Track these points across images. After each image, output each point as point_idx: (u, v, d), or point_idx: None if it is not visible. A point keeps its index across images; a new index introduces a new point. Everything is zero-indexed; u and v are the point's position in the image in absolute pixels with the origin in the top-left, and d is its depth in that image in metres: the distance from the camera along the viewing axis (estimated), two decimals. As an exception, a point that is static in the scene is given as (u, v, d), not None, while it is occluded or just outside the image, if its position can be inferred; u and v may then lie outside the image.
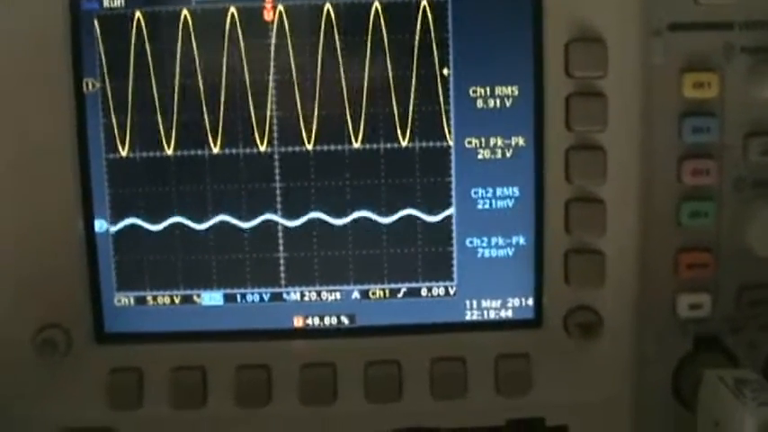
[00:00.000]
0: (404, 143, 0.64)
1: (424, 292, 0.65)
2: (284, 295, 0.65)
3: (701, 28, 0.64)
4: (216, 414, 0.64)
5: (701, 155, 0.65)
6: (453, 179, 0.64)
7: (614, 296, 0.64)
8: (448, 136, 0.64)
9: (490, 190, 0.64)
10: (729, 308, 0.66)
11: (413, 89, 0.63)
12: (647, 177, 0.64)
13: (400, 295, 0.65)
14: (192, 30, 0.62)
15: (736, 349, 0.67)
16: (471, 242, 0.65)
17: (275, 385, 0.64)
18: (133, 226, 0.64)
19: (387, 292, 0.65)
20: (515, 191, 0.64)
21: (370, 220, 0.64)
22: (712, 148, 0.65)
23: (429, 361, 0.64)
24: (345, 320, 0.65)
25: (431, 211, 0.64)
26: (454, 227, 0.65)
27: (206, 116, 0.63)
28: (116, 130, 0.63)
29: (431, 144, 0.64)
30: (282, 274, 0.65)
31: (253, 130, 0.64)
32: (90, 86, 0.63)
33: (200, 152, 0.64)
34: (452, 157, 0.64)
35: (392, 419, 0.65)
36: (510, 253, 0.65)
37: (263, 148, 0.64)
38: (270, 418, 0.64)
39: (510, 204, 0.64)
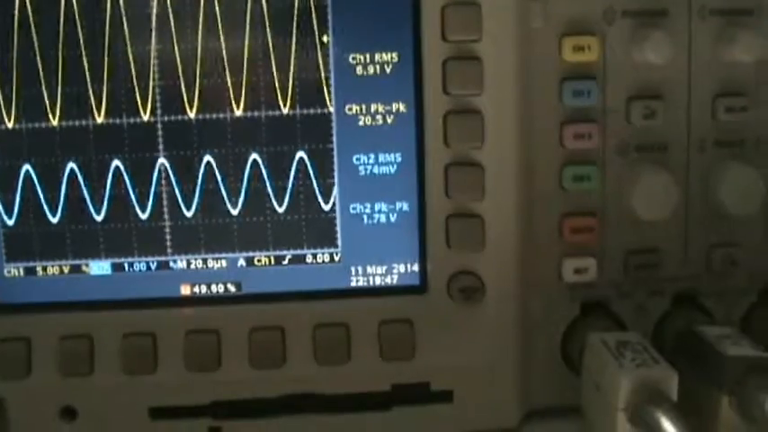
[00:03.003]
0: (285, 110, 0.64)
1: (309, 258, 0.66)
2: (171, 264, 0.65)
3: (581, -9, 0.64)
4: (103, 381, 0.64)
5: (583, 119, 0.65)
6: (335, 146, 0.64)
7: (496, 260, 0.64)
8: (328, 103, 0.64)
9: (372, 156, 0.65)
10: (616, 273, 0.67)
11: (293, 56, 0.64)
12: (529, 142, 0.64)
13: (285, 262, 0.66)
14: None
15: (623, 314, 0.67)
16: (355, 208, 0.65)
17: (161, 352, 0.64)
18: (22, 198, 0.64)
19: (272, 259, 0.66)
20: (397, 157, 0.65)
21: (253, 188, 0.64)
22: (594, 111, 0.65)
23: (312, 327, 0.64)
24: (232, 288, 0.66)
25: (314, 179, 0.64)
26: (337, 194, 0.65)
27: (89, 86, 0.63)
28: (1, 102, 0.63)
29: (311, 111, 0.64)
30: (169, 243, 0.65)
31: (136, 100, 0.63)
32: (-26, 58, 0.63)
33: (84, 122, 0.64)
34: (333, 124, 0.64)
35: (278, 385, 0.65)
36: (394, 219, 0.65)
37: (146, 118, 0.63)
38: (157, 385, 0.64)
39: (392, 170, 0.65)
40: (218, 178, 0.64)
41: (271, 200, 0.65)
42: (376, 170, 0.65)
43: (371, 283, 0.66)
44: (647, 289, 0.67)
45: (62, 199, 0.65)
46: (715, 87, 0.66)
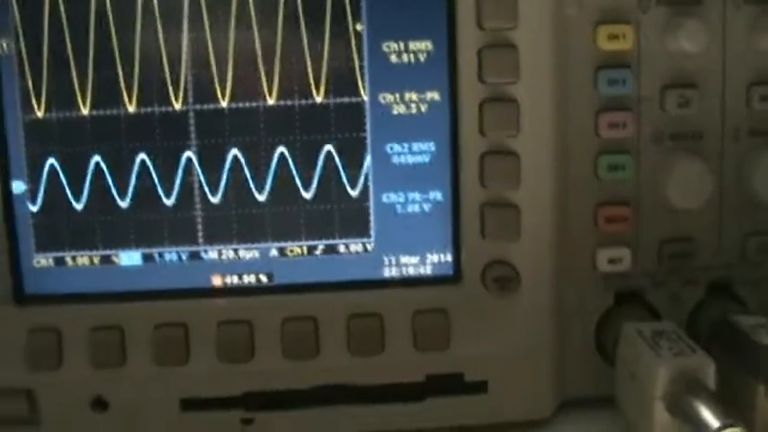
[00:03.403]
0: (318, 99, 0.63)
1: (341, 248, 0.65)
2: (202, 254, 0.65)
3: (617, -20, 0.63)
4: (134, 373, 0.64)
5: (618, 107, 0.64)
6: (368, 135, 0.64)
7: (531, 250, 0.64)
8: (362, 92, 0.63)
9: (406, 145, 0.64)
10: (650, 262, 0.66)
11: (326, 45, 0.63)
12: (564, 131, 0.64)
13: (318, 252, 0.65)
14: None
15: (658, 303, 0.67)
16: (388, 198, 0.64)
17: (193, 343, 0.64)
18: (51, 187, 0.63)
19: (304, 249, 0.65)
20: (431, 146, 0.64)
21: (286, 176, 0.63)
22: (629, 100, 0.65)
23: (346, 318, 0.63)
24: (264, 279, 0.65)
25: (347, 168, 0.64)
26: (371, 183, 0.64)
27: (121, 75, 0.62)
28: (31, 92, 0.62)
29: (345, 100, 0.63)
30: (200, 234, 0.64)
31: (167, 89, 0.63)
32: (4, 48, 0.62)
33: (115, 111, 0.63)
34: (367, 113, 0.64)
35: (310, 376, 0.64)
36: (427, 208, 0.65)
37: (178, 107, 0.63)
38: (188, 377, 0.64)
39: (426, 160, 0.64)
40: (246, 167, 0.63)
41: (299, 189, 0.64)
42: (409, 159, 0.64)
43: (405, 273, 0.65)
44: (682, 278, 0.67)
45: (87, 188, 0.65)
46: (750, 76, 0.65)
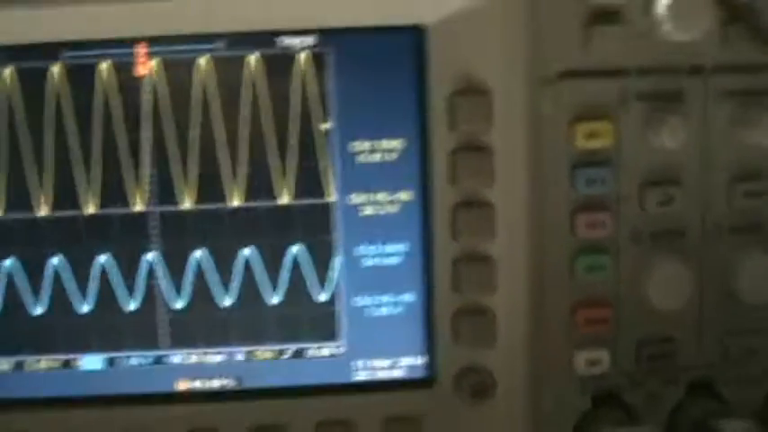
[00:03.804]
0: (284, 200, 0.61)
1: (311, 353, 0.63)
2: (166, 359, 0.62)
3: (594, 75, 0.61)
4: (96, 484, 0.61)
5: (596, 207, 0.62)
6: (337, 237, 0.61)
7: (507, 356, 0.62)
8: (330, 193, 0.61)
9: (376, 247, 0.62)
10: (629, 362, 0.64)
11: (293, 144, 0.60)
12: (541, 231, 0.61)
13: (286, 356, 0.63)
14: (62, 85, 0.59)
15: (636, 404, 0.65)
16: (359, 301, 0.62)
17: (158, 453, 0.61)
18: (9, 289, 0.62)
19: (272, 353, 0.63)
20: (403, 247, 0.62)
21: (251, 279, 0.61)
22: (607, 199, 0.62)
23: (315, 425, 0.61)
24: (231, 383, 0.63)
25: (315, 270, 0.61)
26: (340, 286, 0.62)
27: (80, 175, 0.60)
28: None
29: (312, 201, 0.61)
30: (164, 337, 0.62)
31: (128, 190, 0.60)
32: (-42, 145, 0.60)
33: (74, 213, 0.61)
34: (335, 215, 0.61)
35: (279, 486, 0.62)
36: (399, 311, 0.63)
37: (139, 208, 0.60)
38: (152, 486, 0.61)
39: (397, 261, 0.62)
40: (210, 271, 0.61)
41: (266, 292, 0.62)
42: (381, 261, 0.62)
43: (376, 377, 0.63)
44: (661, 378, 0.65)
45: (47, 291, 0.63)
46: (731, 172, 0.63)
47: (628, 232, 0.63)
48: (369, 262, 0.62)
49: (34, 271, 0.62)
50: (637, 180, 0.63)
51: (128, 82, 0.60)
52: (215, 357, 0.63)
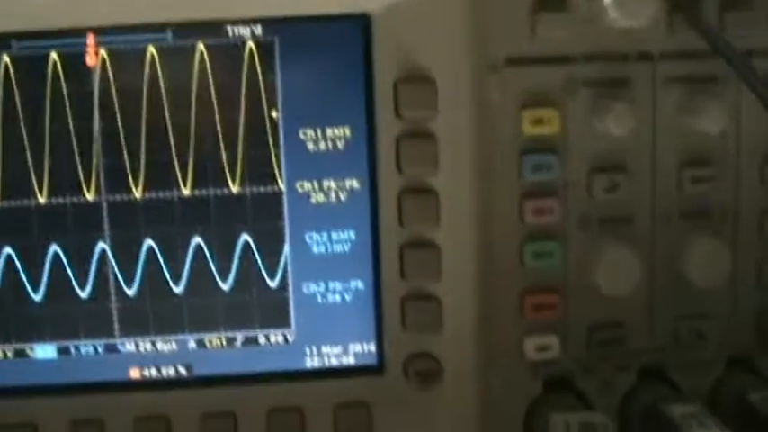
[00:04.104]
0: (234, 189, 0.61)
1: (261, 340, 0.63)
2: (119, 347, 0.63)
3: (540, 62, 0.61)
4: (49, 472, 0.61)
5: (544, 193, 0.63)
6: (286, 224, 0.62)
7: (454, 342, 0.62)
8: (279, 180, 0.61)
9: (325, 234, 0.62)
10: (580, 348, 0.64)
11: (241, 133, 0.61)
12: (488, 218, 0.62)
13: (238, 344, 0.63)
14: (12, 76, 0.59)
15: (589, 390, 0.65)
16: (308, 288, 0.63)
17: (109, 440, 0.61)
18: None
19: (223, 340, 0.63)
20: (351, 234, 0.62)
21: (202, 267, 0.62)
22: (555, 185, 0.63)
23: (266, 412, 0.62)
24: (183, 371, 0.63)
25: (265, 258, 0.62)
26: (290, 273, 0.62)
27: (31, 165, 0.60)
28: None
29: (262, 189, 0.61)
30: (116, 326, 0.63)
31: (79, 179, 0.61)
32: None
33: (26, 202, 0.61)
34: (284, 202, 0.61)
35: (230, 474, 0.62)
36: (349, 298, 0.63)
37: (90, 197, 0.61)
38: (104, 475, 0.62)
39: (346, 249, 0.63)
40: (162, 259, 0.61)
41: (217, 280, 0.62)
42: (329, 248, 0.62)
43: (327, 363, 0.64)
44: (613, 364, 0.65)
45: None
46: (680, 157, 0.63)
47: (576, 219, 0.63)
48: (318, 249, 0.62)
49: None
50: (584, 166, 0.63)
51: (78, 72, 0.61)
52: (167, 345, 0.63)
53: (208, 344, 0.64)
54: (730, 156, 0.64)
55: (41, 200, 0.62)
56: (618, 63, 0.62)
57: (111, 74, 0.61)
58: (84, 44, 0.60)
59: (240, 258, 0.62)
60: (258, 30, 0.60)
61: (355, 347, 0.64)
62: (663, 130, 0.63)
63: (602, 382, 0.65)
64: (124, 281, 0.63)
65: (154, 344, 0.63)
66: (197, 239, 0.62)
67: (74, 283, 0.63)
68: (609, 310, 0.64)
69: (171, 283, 0.63)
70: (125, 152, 0.62)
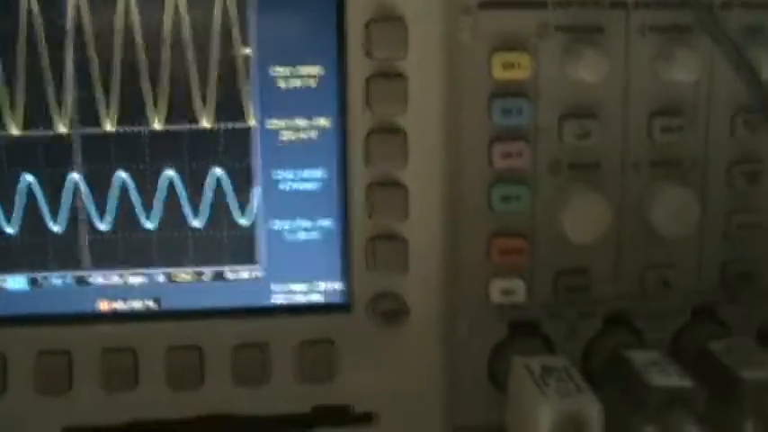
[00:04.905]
0: (205, 124, 0.62)
1: (229, 275, 0.64)
2: (88, 279, 0.63)
3: (513, 6, 0.62)
4: (16, 400, 0.63)
5: (513, 137, 0.63)
6: (256, 161, 0.62)
7: (420, 283, 0.63)
8: (250, 117, 0.62)
9: (294, 172, 0.63)
10: (546, 293, 0.65)
11: (213, 69, 0.61)
12: (457, 161, 0.62)
13: (206, 279, 0.64)
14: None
15: (554, 335, 0.65)
16: (277, 225, 0.63)
17: (76, 371, 0.63)
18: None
19: (192, 275, 0.64)
20: (321, 173, 0.63)
21: (174, 202, 0.62)
22: (525, 130, 0.63)
23: (232, 347, 0.62)
24: (151, 304, 0.64)
25: (235, 194, 0.62)
26: (259, 210, 0.63)
27: (5, 97, 0.61)
28: None
29: (232, 125, 0.62)
30: (85, 258, 0.63)
31: (51, 112, 0.61)
32: None
33: (-1, 134, 0.62)
34: (255, 139, 0.62)
35: (195, 406, 0.63)
36: (317, 236, 0.64)
37: (62, 130, 0.61)
38: (71, 405, 0.63)
39: (315, 187, 0.63)
40: (133, 193, 0.61)
41: (187, 215, 0.62)
42: (298, 186, 0.63)
43: (294, 301, 0.64)
44: (578, 310, 0.66)
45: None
46: (651, 106, 0.64)
47: (545, 164, 0.64)
48: (287, 186, 0.63)
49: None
50: (555, 112, 0.63)
51: (51, 4, 0.61)
52: (136, 279, 0.64)
53: (176, 278, 0.64)
54: (701, 106, 0.64)
55: (14, 132, 0.62)
56: (592, 9, 0.62)
57: (84, 7, 0.61)
58: (59, -24, 0.60)
59: (211, 194, 0.63)
60: (232, -34, 0.60)
61: (322, 285, 0.64)
62: (635, 79, 0.63)
63: (568, 327, 0.66)
64: (96, 214, 0.63)
65: (123, 277, 0.64)
66: (169, 174, 0.63)
67: (46, 215, 0.63)
68: (576, 256, 0.64)
69: (142, 218, 0.63)
70: (98, 85, 0.61)
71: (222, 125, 0.62)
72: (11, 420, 0.63)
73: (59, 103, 0.62)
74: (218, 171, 0.63)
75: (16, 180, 0.63)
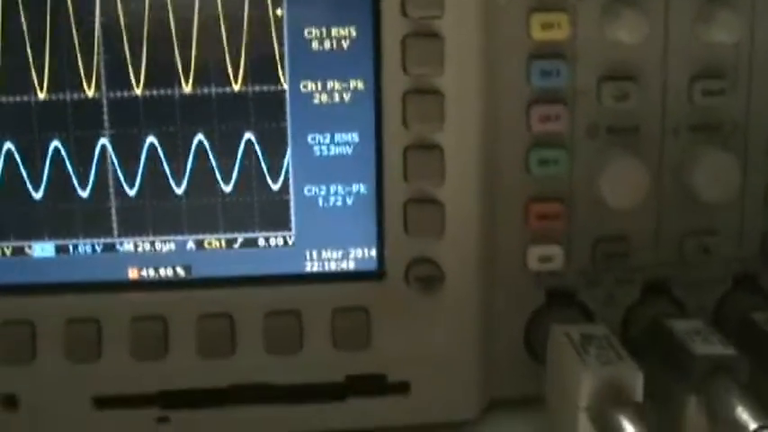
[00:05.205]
0: (236, 87, 0.60)
1: (261, 242, 0.63)
2: (117, 246, 0.62)
3: (551, -34, 0.60)
4: (45, 369, 0.62)
5: (551, 100, 0.61)
6: (289, 125, 0.61)
7: (456, 248, 0.61)
8: (282, 79, 0.60)
9: (328, 136, 0.61)
10: (584, 261, 0.63)
11: (245, 30, 0.60)
12: (494, 124, 0.61)
13: (237, 245, 0.62)
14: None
15: (592, 303, 0.64)
16: (309, 190, 0.62)
17: (105, 339, 0.62)
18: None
19: (223, 242, 0.62)
20: (354, 137, 0.61)
21: (204, 167, 0.61)
22: (563, 92, 0.61)
23: (264, 314, 0.61)
24: (181, 272, 0.63)
25: (267, 159, 0.61)
26: (291, 175, 0.61)
27: (31, 60, 0.59)
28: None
29: (264, 88, 0.60)
30: (114, 225, 0.62)
31: (80, 75, 0.60)
32: None
33: (26, 98, 0.60)
34: (287, 102, 0.61)
35: (227, 375, 0.62)
36: (350, 201, 0.62)
37: (90, 94, 0.60)
38: (101, 373, 0.62)
39: (349, 151, 0.62)
40: (163, 157, 0.60)
41: (218, 180, 0.61)
42: (332, 150, 0.61)
43: (326, 268, 0.63)
44: (616, 278, 0.64)
45: (-1, 178, 0.60)
46: (692, 69, 0.62)
47: (584, 127, 0.62)
48: (320, 151, 0.61)
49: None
50: (594, 74, 0.62)
51: (79, -35, 0.59)
52: (166, 246, 0.62)
53: (207, 245, 0.63)
54: (743, 69, 0.62)
55: (41, 96, 0.60)
56: (631, -31, 0.61)
57: (114, -33, 0.59)
58: (88, -63, 0.59)
59: (242, 159, 0.62)
60: (266, -77, 0.59)
61: (356, 252, 0.63)
62: (675, 40, 0.62)
63: (606, 295, 0.65)
64: (125, 179, 0.61)
65: (153, 244, 0.63)
66: (199, 138, 0.61)
67: (74, 180, 0.62)
68: (614, 222, 0.63)
69: (172, 183, 0.62)
70: (126, 48, 0.60)
71: (253, 88, 0.61)
72: (40, 389, 0.62)
73: (87, 66, 0.60)
74: (249, 135, 0.61)
75: (44, 145, 0.61)
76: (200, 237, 0.63)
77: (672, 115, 0.63)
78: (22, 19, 0.60)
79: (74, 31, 0.60)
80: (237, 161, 0.62)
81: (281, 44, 0.61)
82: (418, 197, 0.61)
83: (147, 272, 0.63)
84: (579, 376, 0.56)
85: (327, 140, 0.62)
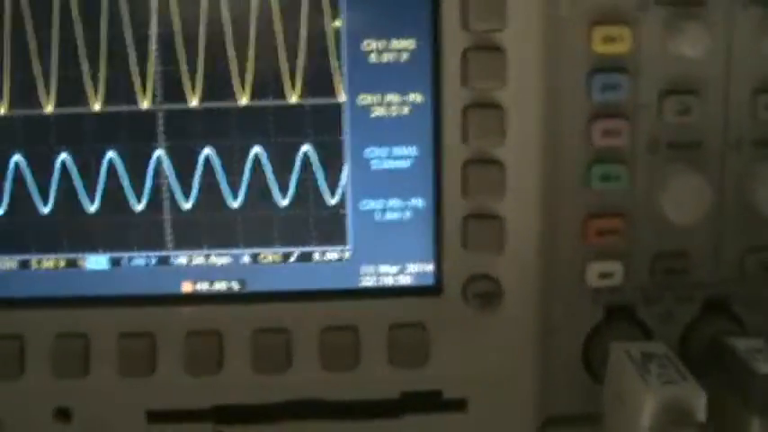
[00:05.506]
0: (293, 100, 0.60)
1: (317, 256, 0.62)
2: (171, 259, 0.62)
3: (613, -22, 0.59)
4: (99, 383, 0.61)
5: (612, 114, 0.60)
6: (346, 138, 0.60)
7: (515, 264, 0.60)
8: (340, 93, 0.60)
9: (386, 150, 0.61)
10: (643, 277, 0.62)
11: (302, 42, 0.59)
12: (555, 138, 0.60)
13: (292, 260, 0.62)
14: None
15: (650, 320, 0.63)
16: (366, 205, 0.61)
17: (160, 353, 0.61)
18: (16, 187, 0.61)
19: (278, 256, 0.62)
20: (413, 150, 0.61)
21: (260, 180, 0.60)
22: (624, 106, 0.60)
23: (320, 330, 0.60)
24: (235, 286, 0.62)
25: (324, 172, 0.60)
26: (348, 189, 0.61)
27: (86, 72, 0.59)
28: (-6, 88, 0.59)
29: (321, 101, 0.60)
30: (169, 238, 0.61)
31: (134, 87, 0.59)
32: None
33: (80, 110, 0.60)
34: (345, 115, 0.60)
35: (282, 390, 0.61)
36: (408, 216, 0.61)
37: (145, 106, 0.59)
38: (155, 387, 0.61)
39: (407, 165, 0.61)
40: (218, 171, 0.60)
41: (275, 194, 0.60)
42: (389, 164, 0.61)
43: (383, 283, 0.62)
44: (676, 295, 0.63)
45: (54, 190, 0.61)
46: (755, 82, 0.61)
47: (645, 142, 0.61)
48: (378, 165, 0.61)
49: (41, 169, 0.61)
50: (655, 88, 0.61)
51: (137, -21, 0.59)
52: (220, 259, 0.62)
53: (262, 259, 0.62)
54: (807, 82, 0.61)
55: (96, 108, 0.60)
56: (694, -18, 0.60)
57: (170, -20, 0.59)
58: (145, -52, 0.58)
59: (299, 172, 0.61)
60: (324, -64, 0.58)
61: (413, 267, 0.62)
62: (738, 54, 0.61)
63: (665, 312, 0.64)
64: (180, 193, 0.61)
65: (207, 258, 0.62)
66: (255, 151, 0.61)
67: (128, 193, 0.61)
68: (675, 238, 0.62)
69: (227, 196, 0.61)
70: (182, 60, 0.59)
71: (311, 101, 0.60)
72: (94, 402, 0.61)
73: (143, 79, 0.60)
74: (306, 148, 0.60)
75: (99, 157, 0.61)
76: (256, 251, 0.62)
77: (734, 130, 0.62)
78: (78, 31, 0.59)
79: (129, 43, 0.59)
80: (294, 174, 0.61)
81: (338, 56, 0.60)
82: (477, 212, 0.60)
83: (202, 285, 0.62)
84: (642, 396, 0.55)
85: (385, 154, 0.61)
